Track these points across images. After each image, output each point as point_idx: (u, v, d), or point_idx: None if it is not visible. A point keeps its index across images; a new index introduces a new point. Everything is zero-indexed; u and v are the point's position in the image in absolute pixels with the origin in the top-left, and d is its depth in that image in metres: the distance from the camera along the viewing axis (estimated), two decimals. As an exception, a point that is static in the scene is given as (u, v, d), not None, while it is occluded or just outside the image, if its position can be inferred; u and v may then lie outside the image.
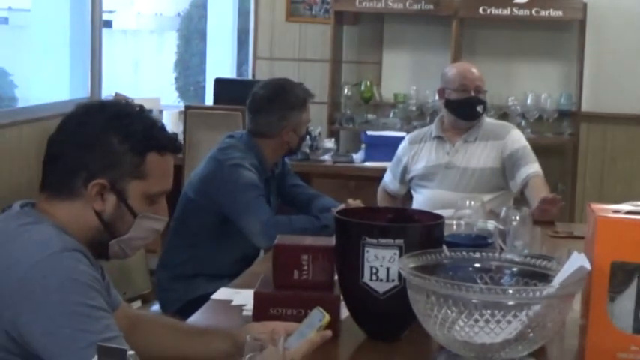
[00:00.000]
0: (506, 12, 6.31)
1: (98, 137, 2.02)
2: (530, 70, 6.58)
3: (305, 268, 2.45)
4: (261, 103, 3.75)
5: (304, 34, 6.95)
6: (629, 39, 6.52)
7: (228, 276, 3.53)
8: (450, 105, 4.42)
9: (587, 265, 2.04)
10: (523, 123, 6.24)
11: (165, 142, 2.06)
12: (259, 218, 3.53)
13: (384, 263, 2.31)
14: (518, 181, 4.29)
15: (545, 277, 2.23)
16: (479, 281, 2.20)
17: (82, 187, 2.01)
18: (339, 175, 5.62)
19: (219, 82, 6.45)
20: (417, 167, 4.47)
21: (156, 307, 3.82)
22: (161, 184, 2.08)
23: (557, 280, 2.09)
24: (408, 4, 6.41)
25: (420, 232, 2.39)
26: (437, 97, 4.59)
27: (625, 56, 6.54)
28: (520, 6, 6.28)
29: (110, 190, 2.02)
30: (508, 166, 4.33)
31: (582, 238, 3.63)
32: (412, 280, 2.04)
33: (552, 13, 6.26)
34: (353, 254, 2.33)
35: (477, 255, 2.27)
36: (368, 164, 5.83)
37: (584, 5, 6.23)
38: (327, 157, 5.97)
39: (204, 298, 2.87)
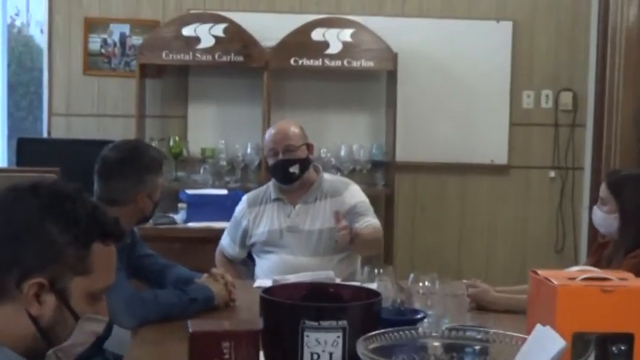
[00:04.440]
0: (318, 63, 6.22)
1: (33, 226, 1.69)
2: (341, 121, 6.50)
3: (227, 356, 2.19)
4: (114, 168, 3.40)
5: (104, 88, 6.59)
6: (437, 88, 6.57)
7: None
8: (269, 171, 4.35)
9: (562, 341, 1.91)
10: (338, 175, 6.13)
11: (110, 229, 1.75)
12: (122, 295, 3.15)
13: (326, 348, 2.10)
14: None
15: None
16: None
17: (14, 288, 1.66)
18: (161, 238, 5.24)
19: (23, 142, 5.90)
20: (259, 232, 4.27)
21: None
22: (106, 279, 1.75)
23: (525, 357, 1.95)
24: (217, 55, 6.20)
25: (362, 310, 2.19)
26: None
27: (433, 105, 6.58)
28: (332, 57, 6.20)
29: (49, 290, 1.67)
30: (347, 222, 4.17)
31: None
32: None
33: (364, 63, 6.22)
34: (289, 339, 2.10)
35: (428, 333, 2.09)
36: (191, 225, 5.52)
37: (395, 55, 6.22)
38: (146, 219, 5.63)
39: None
